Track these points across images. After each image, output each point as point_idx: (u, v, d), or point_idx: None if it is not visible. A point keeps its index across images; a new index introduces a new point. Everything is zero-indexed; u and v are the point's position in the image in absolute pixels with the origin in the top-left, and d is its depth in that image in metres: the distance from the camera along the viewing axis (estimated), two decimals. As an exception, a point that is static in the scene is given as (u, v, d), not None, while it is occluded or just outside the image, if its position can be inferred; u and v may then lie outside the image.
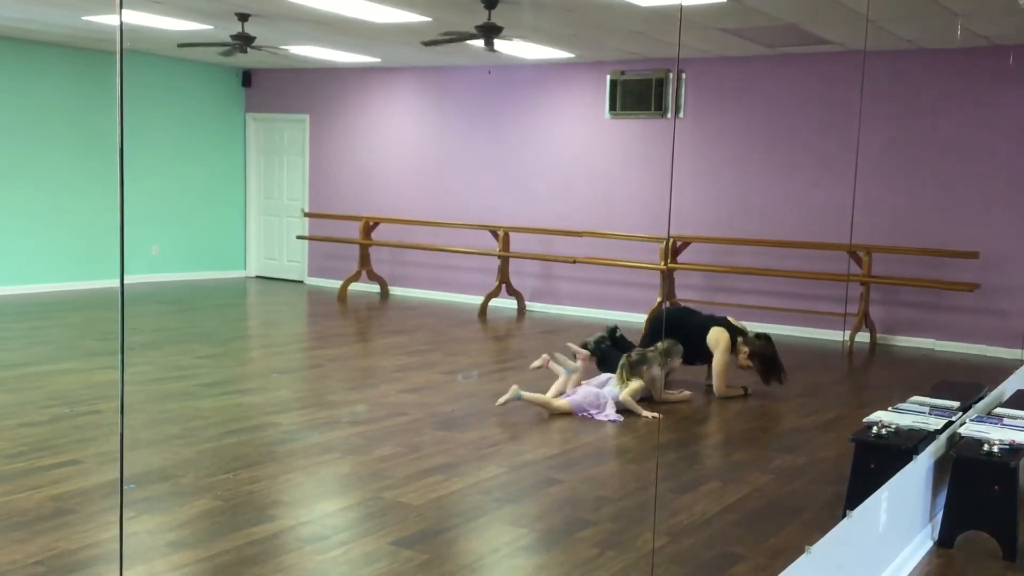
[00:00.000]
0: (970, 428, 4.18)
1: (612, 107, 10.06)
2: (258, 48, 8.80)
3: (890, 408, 4.42)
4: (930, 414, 4.32)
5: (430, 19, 7.80)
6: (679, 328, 6.57)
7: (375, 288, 11.41)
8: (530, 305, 10.52)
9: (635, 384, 5.95)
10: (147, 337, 7.92)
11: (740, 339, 6.47)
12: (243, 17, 8.10)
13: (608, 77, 10.03)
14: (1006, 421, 4.34)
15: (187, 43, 9.26)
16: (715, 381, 6.37)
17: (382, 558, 3.51)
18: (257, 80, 12.43)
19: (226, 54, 8.87)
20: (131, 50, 10.77)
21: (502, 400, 5.74)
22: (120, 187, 1.74)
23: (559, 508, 4.15)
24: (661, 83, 9.76)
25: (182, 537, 3.66)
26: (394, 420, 5.50)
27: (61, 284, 10.54)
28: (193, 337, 8.17)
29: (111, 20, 8.61)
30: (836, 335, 8.86)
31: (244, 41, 8.46)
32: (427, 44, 7.96)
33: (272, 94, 12.36)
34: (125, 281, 10.89)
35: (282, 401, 5.90)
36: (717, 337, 6.42)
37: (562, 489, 4.40)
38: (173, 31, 9.07)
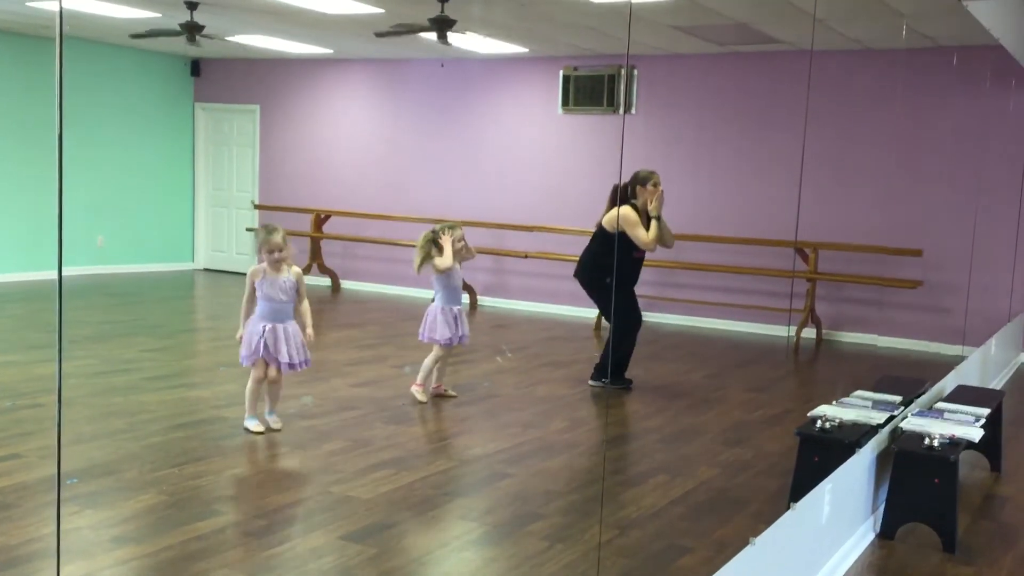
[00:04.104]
0: (912, 422, 4.26)
1: (565, 102, 10.09)
2: (207, 37, 8.67)
3: (834, 402, 4.49)
4: (873, 408, 4.40)
5: (383, 11, 7.75)
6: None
7: (326, 281, 11.33)
8: (481, 300, 10.52)
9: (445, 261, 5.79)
10: (92, 330, 7.78)
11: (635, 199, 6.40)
12: (192, 5, 7.98)
13: (561, 72, 10.05)
14: (947, 415, 4.44)
15: (139, 34, 9.06)
16: (650, 242, 6.29)
17: (331, 552, 3.49)
18: (206, 70, 12.26)
19: (151, 34, 8.55)
20: (77, 37, 10.56)
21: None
22: (59, 176, 1.70)
23: (509, 502, 4.16)
24: (614, 79, 9.80)
25: (126, 532, 3.61)
26: (344, 414, 5.47)
27: (3, 275, 10.31)
28: (139, 330, 8.05)
29: (54, 6, 8.43)
30: (783, 331, 8.98)
31: (192, 30, 8.33)
32: (379, 35, 7.91)
33: (222, 84, 12.20)
34: (69, 273, 10.70)
35: (229, 395, 5.82)
36: (624, 216, 6.30)
37: (512, 483, 4.41)
38: (119, 19, 8.90)
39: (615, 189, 6.51)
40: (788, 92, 8.93)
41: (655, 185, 6.34)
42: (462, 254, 5.96)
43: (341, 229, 11.20)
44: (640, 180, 6.39)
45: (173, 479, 4.21)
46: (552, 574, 3.40)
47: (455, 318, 5.90)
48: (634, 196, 6.38)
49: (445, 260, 5.80)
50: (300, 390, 6.02)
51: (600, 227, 6.49)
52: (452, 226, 5.96)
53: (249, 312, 5.03)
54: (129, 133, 11.58)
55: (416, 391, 5.86)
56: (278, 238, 5.00)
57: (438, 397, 5.97)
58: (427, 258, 5.87)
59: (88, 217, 11.04)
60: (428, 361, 5.89)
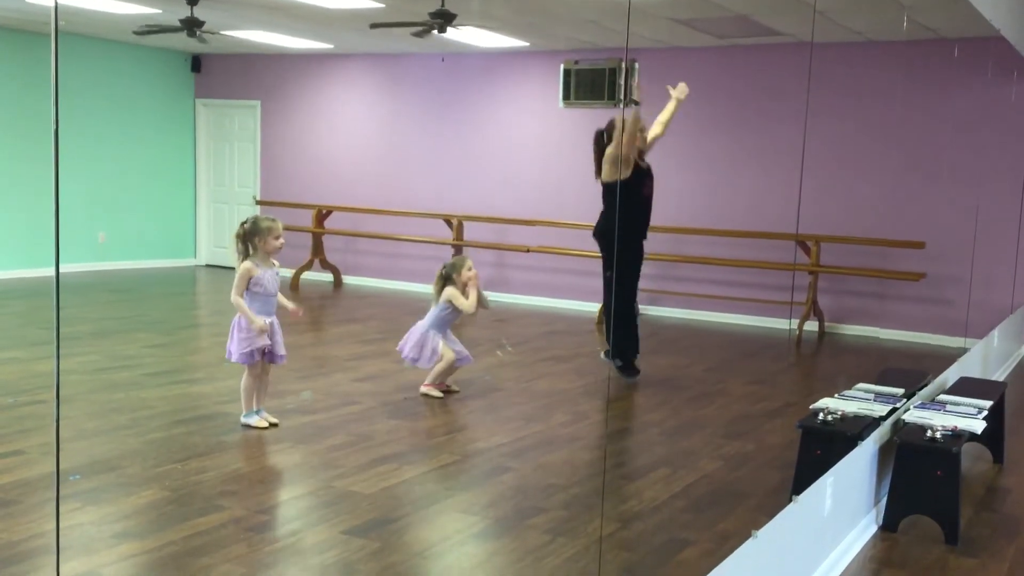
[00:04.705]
0: (914, 414, 4.26)
1: (566, 96, 10.04)
2: (208, 33, 8.66)
3: (836, 395, 4.49)
4: (875, 401, 4.40)
5: (383, 5, 7.74)
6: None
7: (328, 277, 11.32)
8: (484, 294, 10.49)
9: (449, 289, 5.90)
10: (94, 326, 7.78)
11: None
12: (192, 1, 7.96)
13: (562, 66, 10.01)
14: (949, 408, 4.43)
15: (142, 31, 9.02)
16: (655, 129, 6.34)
17: (333, 547, 3.49)
18: (207, 65, 12.25)
19: (151, 30, 8.61)
20: (77, 34, 10.55)
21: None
22: (55, 172, 1.70)
23: (510, 496, 4.16)
24: (615, 73, 9.77)
25: (128, 528, 3.61)
26: (346, 409, 5.47)
27: (4, 272, 10.31)
28: (141, 326, 8.05)
29: (52, 1, 8.42)
30: (784, 324, 8.97)
31: (193, 26, 8.32)
32: (375, 26, 7.90)
33: (222, 80, 12.19)
34: (71, 269, 10.70)
35: (231, 391, 5.80)
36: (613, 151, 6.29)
37: (513, 477, 4.41)
38: (120, 14, 8.89)
39: (598, 134, 6.44)
40: (789, 85, 8.91)
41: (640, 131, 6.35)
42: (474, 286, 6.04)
43: (342, 224, 11.20)
44: (614, 129, 6.34)
45: (175, 475, 4.21)
46: (554, 567, 3.40)
47: (431, 345, 5.87)
48: (610, 141, 6.36)
49: (470, 304, 5.92)
50: (301, 385, 6.02)
51: (603, 185, 6.43)
52: (462, 262, 6.01)
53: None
54: (130, 129, 11.58)
55: (427, 390, 5.88)
56: (280, 225, 5.06)
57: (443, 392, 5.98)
58: (440, 292, 5.96)
59: (89, 213, 11.04)
60: (439, 367, 5.88)
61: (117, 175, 11.44)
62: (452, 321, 6.02)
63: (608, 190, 6.43)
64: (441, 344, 5.88)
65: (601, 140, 6.47)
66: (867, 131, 8.73)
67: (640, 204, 6.41)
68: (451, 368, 5.95)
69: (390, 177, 11.14)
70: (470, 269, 5.99)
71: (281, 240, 5.06)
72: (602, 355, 6.63)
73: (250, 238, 5.01)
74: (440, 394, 5.87)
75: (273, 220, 5.08)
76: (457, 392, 6.00)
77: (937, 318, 8.53)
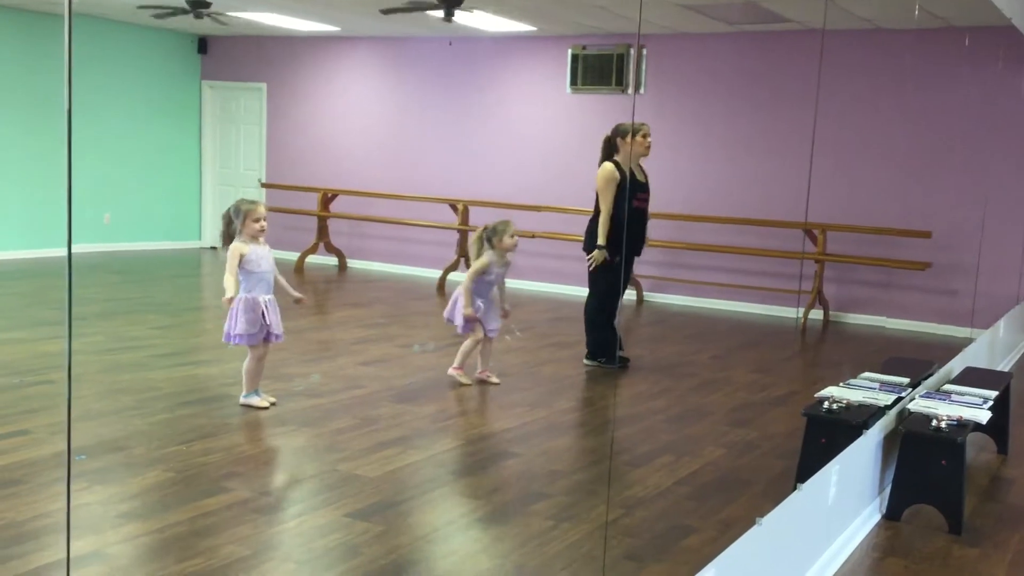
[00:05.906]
0: (919, 404, 4.26)
1: (573, 82, 10.04)
2: (213, 14, 8.64)
3: (841, 384, 4.49)
4: (880, 390, 4.39)
5: (390, -12, 7.72)
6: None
7: (333, 260, 11.33)
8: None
9: (482, 260, 5.64)
10: (100, 307, 7.80)
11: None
12: (199, -18, 7.96)
13: (569, 51, 10.00)
14: (954, 397, 4.43)
15: (145, 5, 9.05)
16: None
17: (337, 530, 3.50)
18: (213, 47, 12.23)
19: (161, 16, 8.61)
20: (84, 15, 10.53)
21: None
22: (68, 153, 1.70)
23: (514, 481, 4.17)
24: (622, 58, 9.75)
25: (134, 508, 3.62)
26: (351, 393, 5.48)
27: (10, 253, 10.33)
28: (147, 308, 8.06)
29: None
30: (790, 312, 8.96)
31: (199, 7, 8.30)
32: (385, 12, 7.87)
33: (229, 62, 12.17)
34: (75, 250, 10.71)
35: (237, 373, 5.81)
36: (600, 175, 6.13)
37: (517, 462, 4.41)
38: (127, -5, 8.88)
39: (607, 141, 6.28)
40: (798, 72, 8.87)
41: (644, 136, 6.18)
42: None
43: (348, 208, 11.19)
44: (620, 133, 6.20)
45: (181, 456, 4.22)
46: (557, 553, 3.41)
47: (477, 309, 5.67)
48: (616, 150, 6.21)
49: (479, 262, 5.68)
50: (306, 368, 6.03)
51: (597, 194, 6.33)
52: (505, 226, 5.70)
53: (236, 287, 4.95)
54: (136, 111, 11.57)
55: (454, 374, 5.76)
56: (263, 208, 5.02)
57: (481, 383, 5.82)
58: (478, 253, 5.72)
59: (95, 194, 11.04)
60: (466, 344, 5.74)
61: (123, 156, 11.44)
62: (492, 283, 5.73)
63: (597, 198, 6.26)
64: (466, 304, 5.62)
65: (610, 146, 6.26)
66: (876, 120, 8.70)
67: (632, 216, 6.22)
68: (485, 348, 5.78)
69: (396, 161, 11.13)
70: (512, 236, 5.65)
71: (261, 223, 4.94)
72: (584, 360, 6.54)
73: (233, 220, 4.96)
74: (467, 382, 5.73)
75: (253, 202, 5.01)
76: (497, 384, 5.82)
77: (943, 308, 8.51)
